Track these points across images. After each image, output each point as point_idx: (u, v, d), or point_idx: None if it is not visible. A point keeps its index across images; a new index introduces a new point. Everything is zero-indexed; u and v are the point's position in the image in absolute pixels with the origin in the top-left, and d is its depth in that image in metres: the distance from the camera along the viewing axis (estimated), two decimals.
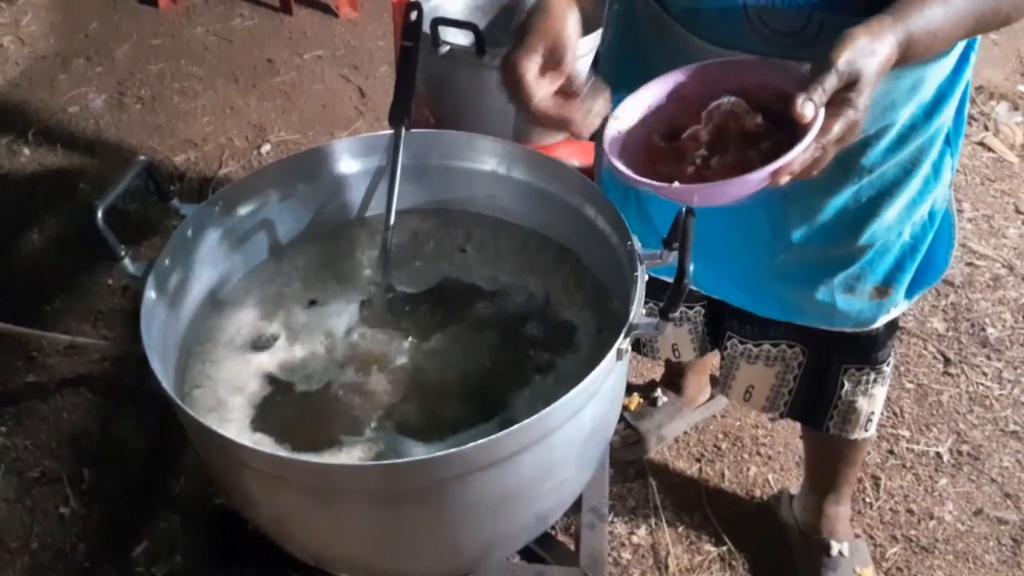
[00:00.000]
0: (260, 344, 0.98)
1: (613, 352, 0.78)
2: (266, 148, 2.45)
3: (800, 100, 0.68)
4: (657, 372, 1.73)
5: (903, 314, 1.17)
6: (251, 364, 0.95)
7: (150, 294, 0.84)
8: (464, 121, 1.48)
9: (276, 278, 1.04)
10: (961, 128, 1.05)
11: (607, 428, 0.91)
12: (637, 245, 0.88)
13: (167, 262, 0.88)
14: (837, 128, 0.70)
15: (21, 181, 2.32)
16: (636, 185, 0.74)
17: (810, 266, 1.07)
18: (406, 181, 1.06)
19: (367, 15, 3.07)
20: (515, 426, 0.71)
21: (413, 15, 1.10)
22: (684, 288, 0.77)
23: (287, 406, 0.91)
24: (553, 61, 0.75)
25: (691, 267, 0.79)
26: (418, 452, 0.84)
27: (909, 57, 0.76)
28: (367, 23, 3.03)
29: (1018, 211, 2.23)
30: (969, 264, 2.05)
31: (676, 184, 0.72)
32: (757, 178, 0.69)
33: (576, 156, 1.45)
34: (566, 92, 0.76)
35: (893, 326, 1.19)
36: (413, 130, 1.06)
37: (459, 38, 1.41)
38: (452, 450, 0.70)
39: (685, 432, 1.66)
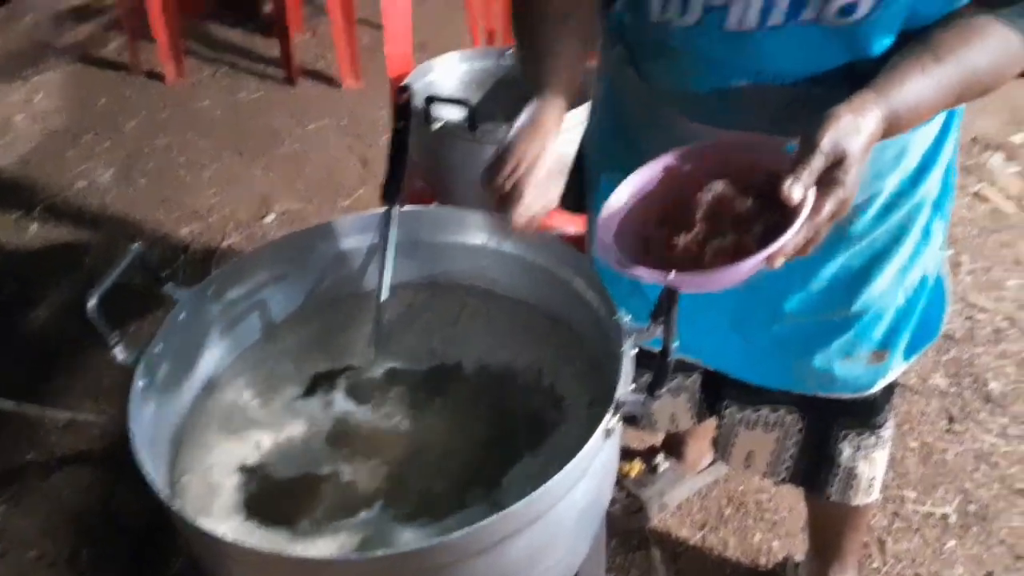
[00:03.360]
0: (251, 428, 0.98)
1: (601, 431, 0.78)
2: (270, 218, 2.49)
3: (788, 183, 0.70)
4: (657, 436, 1.72)
5: (903, 373, 1.18)
6: (242, 448, 0.95)
7: (139, 383, 0.85)
8: (458, 192, 1.50)
9: (268, 359, 1.05)
10: (948, 193, 1.06)
11: (600, 504, 0.91)
12: (624, 320, 0.89)
13: (158, 348, 0.89)
14: (828, 208, 0.71)
15: (27, 257, 2.36)
16: (630, 273, 0.75)
17: (806, 334, 1.07)
18: (399, 257, 1.08)
19: (370, 85, 3.15)
20: (502, 512, 0.71)
21: (404, 97, 1.13)
22: (669, 367, 0.78)
23: (277, 490, 0.91)
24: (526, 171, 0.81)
25: (675, 344, 0.79)
26: (408, 536, 0.84)
27: (894, 130, 0.78)
28: (370, 93, 3.11)
29: (1017, 263, 2.23)
30: (969, 318, 2.04)
31: (672, 274, 0.73)
32: (751, 264, 0.70)
33: (569, 224, 1.47)
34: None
35: (890, 389, 1.18)
36: (406, 207, 1.08)
37: (452, 113, 1.44)
38: (439, 540, 0.69)
39: (687, 498, 1.64)
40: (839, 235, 0.99)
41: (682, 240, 0.77)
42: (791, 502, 1.62)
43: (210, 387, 1.00)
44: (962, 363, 1.92)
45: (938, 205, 1.05)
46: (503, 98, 1.66)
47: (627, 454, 1.69)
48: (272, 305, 1.07)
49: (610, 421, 0.79)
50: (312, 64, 3.33)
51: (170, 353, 0.92)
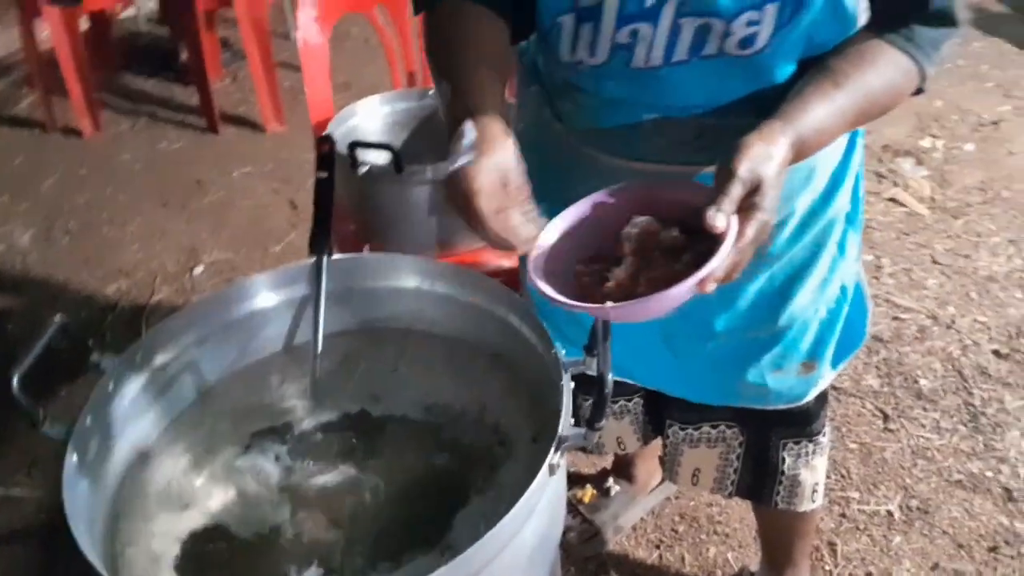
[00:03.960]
0: (191, 493, 0.95)
1: (545, 469, 0.78)
2: (199, 270, 2.44)
3: (711, 212, 0.72)
4: (608, 460, 1.74)
5: (838, 376, 1.21)
6: (183, 515, 0.92)
7: (71, 459, 0.82)
8: (389, 234, 1.50)
9: (204, 422, 1.02)
10: (858, 207, 1.11)
11: (552, 539, 0.91)
12: (561, 353, 0.89)
13: (88, 421, 0.87)
14: (751, 231, 0.74)
15: None
16: (569, 308, 0.76)
17: (737, 351, 1.11)
18: (332, 306, 1.07)
19: (294, 128, 3.13)
20: (453, 560, 0.71)
21: (325, 148, 1.13)
22: (607, 399, 0.79)
23: (223, 555, 0.88)
24: (501, 184, 0.77)
25: (611, 376, 0.80)
26: None
27: (802, 154, 0.82)
28: (294, 135, 3.09)
29: (935, 261, 2.34)
30: (895, 319, 2.12)
31: (610, 305, 0.75)
32: (683, 290, 0.72)
33: (502, 258, 1.48)
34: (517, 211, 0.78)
35: (823, 398, 1.22)
36: (335, 256, 1.08)
37: (377, 157, 1.44)
38: None
39: (641, 519, 1.66)
40: (760, 255, 1.02)
41: (615, 273, 0.79)
42: (741, 513, 1.65)
43: (146, 455, 0.97)
44: (892, 363, 1.99)
45: (850, 219, 1.10)
46: (427, 138, 1.67)
47: (579, 480, 1.70)
48: (203, 366, 1.05)
49: (553, 457, 0.80)
50: (234, 110, 3.30)
51: (102, 425, 0.89)
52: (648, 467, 1.65)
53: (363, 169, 1.42)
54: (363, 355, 1.12)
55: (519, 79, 1.12)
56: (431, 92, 1.72)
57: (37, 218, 2.70)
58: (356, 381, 1.09)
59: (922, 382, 1.94)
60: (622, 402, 1.32)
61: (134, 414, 0.95)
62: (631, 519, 1.64)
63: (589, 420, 0.80)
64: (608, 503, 1.64)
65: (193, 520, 0.92)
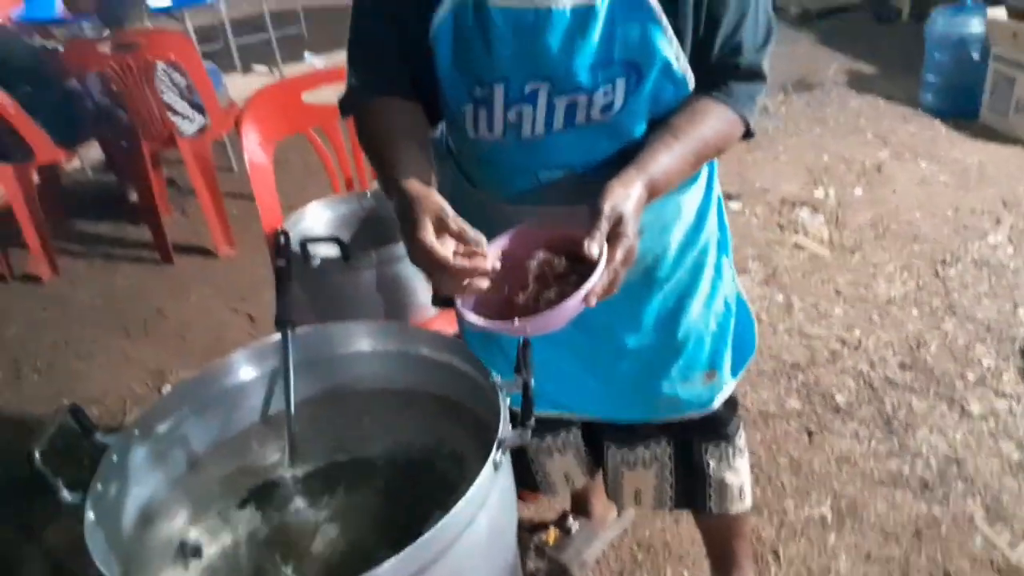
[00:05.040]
0: (189, 550, 1.09)
1: (489, 464, 0.96)
2: (166, 388, 2.57)
3: (586, 243, 0.93)
4: (566, 502, 1.89)
5: (764, 401, 1.39)
6: (183, 571, 1.06)
7: (89, 515, 0.96)
8: (340, 316, 1.68)
9: (196, 487, 1.16)
10: (726, 235, 1.34)
11: (506, 532, 1.06)
12: (497, 379, 1.08)
13: (99, 486, 1.01)
14: (618, 255, 0.94)
15: None
16: (484, 328, 0.95)
17: (649, 366, 1.30)
18: (299, 376, 1.23)
19: (245, 249, 3.32)
20: (411, 546, 0.85)
21: (282, 239, 1.33)
22: (532, 398, 0.97)
23: None
24: (442, 227, 0.94)
25: (532, 381, 0.99)
26: None
27: (655, 192, 1.03)
28: (246, 256, 3.28)
29: (838, 293, 2.59)
30: (808, 347, 2.35)
31: (516, 320, 0.94)
32: (571, 304, 0.92)
33: (447, 326, 1.67)
34: (465, 247, 0.95)
35: (732, 405, 1.41)
36: (298, 330, 1.26)
37: (327, 251, 1.64)
38: None
39: (603, 552, 1.80)
40: (651, 280, 1.23)
41: (520, 297, 0.99)
42: (691, 534, 1.81)
43: (149, 518, 1.11)
44: (810, 385, 2.21)
45: (721, 246, 1.32)
46: (369, 233, 1.88)
47: (543, 525, 1.84)
48: (193, 438, 1.20)
49: (496, 455, 0.97)
50: (186, 241, 3.48)
51: (110, 490, 1.03)
52: (603, 501, 1.80)
53: (316, 262, 1.62)
54: (331, 414, 1.28)
55: (436, 157, 1.33)
56: (368, 194, 1.94)
57: (5, 362, 2.81)
58: (327, 439, 1.25)
59: (838, 398, 2.15)
60: (562, 435, 1.49)
61: (136, 480, 1.09)
62: (594, 553, 1.78)
63: (521, 419, 0.98)
64: (571, 541, 1.78)
65: (193, 571, 1.06)
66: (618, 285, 0.97)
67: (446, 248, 0.93)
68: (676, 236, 1.23)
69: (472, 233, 0.95)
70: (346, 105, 1.17)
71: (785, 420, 2.10)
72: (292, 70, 5.43)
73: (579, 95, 1.06)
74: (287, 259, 1.29)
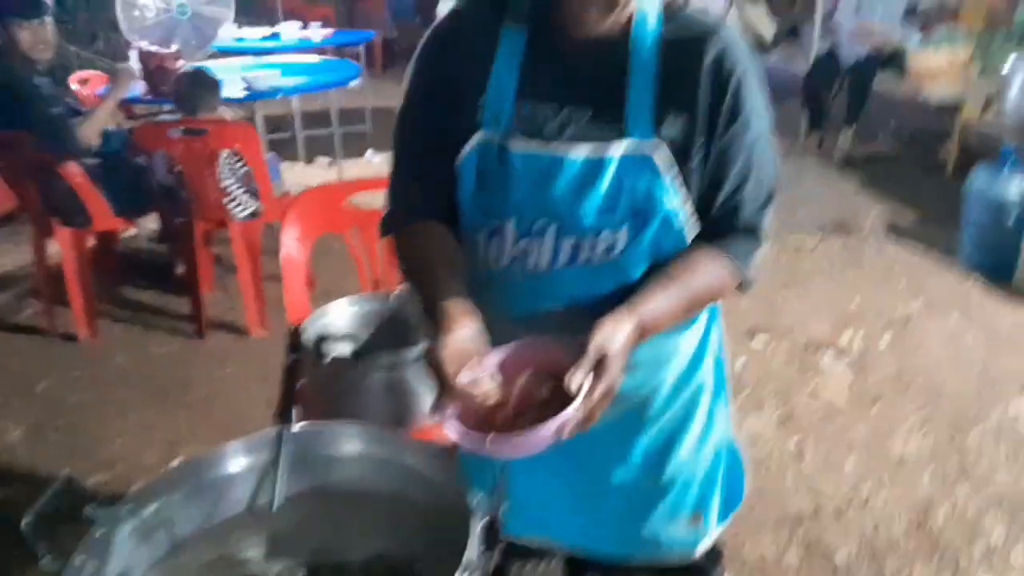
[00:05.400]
0: None
1: None
2: (176, 462, 2.62)
3: (568, 376, 0.97)
4: None
5: (762, 552, 1.37)
6: None
7: None
8: (346, 414, 1.72)
9: (175, 571, 1.20)
10: (723, 382, 1.36)
11: None
12: (474, 500, 1.10)
13: (77, 561, 1.05)
14: (598, 391, 0.98)
15: None
16: (462, 441, 0.98)
17: (634, 502, 1.31)
18: (290, 471, 1.27)
19: (276, 333, 3.39)
20: None
21: (295, 337, 1.40)
22: (500, 523, 1.00)
23: None
24: (462, 354, 1.01)
25: (505, 504, 1.01)
26: None
27: (646, 333, 1.07)
28: (276, 340, 3.31)
29: (851, 447, 2.56)
30: (814, 499, 2.31)
31: (490, 437, 0.97)
32: (545, 433, 0.95)
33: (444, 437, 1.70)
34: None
35: (716, 556, 1.40)
36: (296, 426, 1.30)
37: (342, 348, 1.70)
38: None
39: None
40: (642, 417, 1.26)
41: (500, 416, 1.02)
42: None
43: None
44: (811, 540, 2.16)
45: (717, 393, 1.35)
46: (389, 334, 1.94)
47: None
48: (179, 522, 1.23)
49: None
50: (222, 317, 3.60)
51: (89, 563, 1.07)
52: None
53: (327, 359, 1.68)
54: (315, 514, 1.30)
55: None
56: (392, 295, 2.01)
57: (29, 416, 2.90)
58: (308, 536, 1.27)
59: (838, 557, 2.10)
60: (543, 565, 1.49)
61: (118, 557, 1.13)
62: None
63: (487, 541, 1.00)
64: None
65: None
66: (595, 421, 1.00)
67: (451, 367, 1.00)
68: (670, 375, 1.26)
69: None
70: (386, 226, 1.25)
71: (783, 574, 2.05)
72: (352, 164, 5.68)
73: (584, 237, 1.12)
74: (297, 356, 1.35)
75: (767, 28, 9.79)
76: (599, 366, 0.99)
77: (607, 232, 1.12)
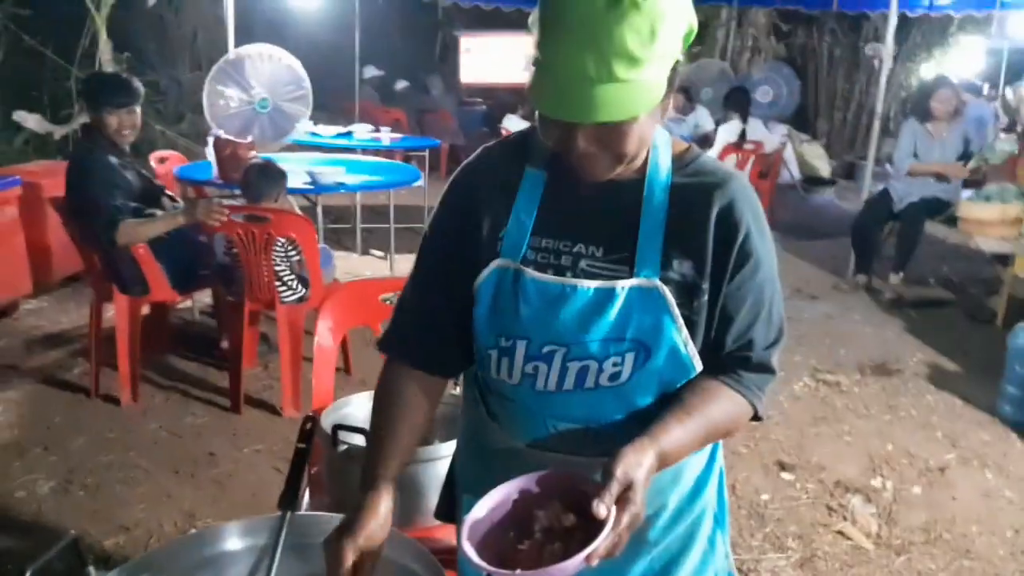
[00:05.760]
0: None
1: None
2: (191, 532, 2.65)
3: (595, 504, 0.99)
4: None
5: None
6: None
7: None
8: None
9: None
10: (724, 508, 1.37)
11: None
12: None
13: None
14: (625, 519, 1.00)
15: None
16: (484, 570, 0.99)
17: None
18: (286, 557, 1.30)
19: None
20: None
21: (308, 425, 1.46)
22: None
23: None
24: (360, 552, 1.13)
25: None
26: None
27: (665, 463, 1.10)
28: None
29: None
30: None
31: (518, 572, 0.96)
32: (574, 563, 0.95)
33: (449, 536, 1.71)
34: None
35: None
36: (299, 513, 1.34)
37: (356, 439, 1.75)
38: None
39: None
40: (641, 540, 1.27)
41: (525, 546, 1.03)
42: None
43: None
44: None
45: (718, 520, 1.35)
46: None
47: None
48: None
49: None
50: (259, 394, 3.69)
51: None
52: None
53: (342, 447, 1.73)
54: None
55: (464, 384, 1.45)
56: None
57: (61, 471, 2.99)
58: None
59: None
60: None
61: None
62: None
63: None
64: None
65: None
66: (621, 549, 1.01)
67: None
68: (672, 500, 1.27)
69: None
70: (383, 346, 1.33)
71: None
72: (405, 259, 5.87)
73: (590, 362, 1.17)
74: (308, 443, 1.40)
75: (824, 166, 9.96)
76: (624, 494, 1.02)
77: (613, 359, 1.16)
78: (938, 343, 4.63)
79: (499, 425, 1.30)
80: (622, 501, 1.01)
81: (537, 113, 1.09)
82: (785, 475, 3.18)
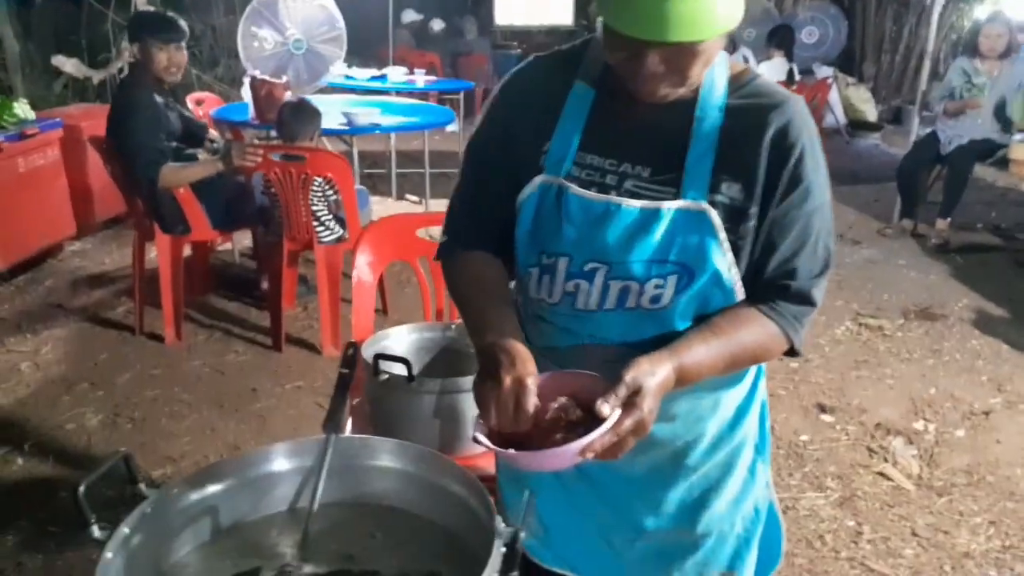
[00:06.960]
0: None
1: None
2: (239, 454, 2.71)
3: (599, 402, 1.00)
4: None
5: None
6: None
7: (107, 555, 1.06)
8: (397, 432, 1.77)
9: (212, 556, 1.25)
10: (765, 439, 1.35)
11: None
12: (499, 524, 1.13)
13: (125, 531, 1.12)
14: (627, 423, 1.01)
15: (7, 489, 2.55)
16: (484, 446, 1.03)
17: (665, 552, 1.30)
18: (331, 477, 1.32)
19: None
20: None
21: (351, 351, 1.46)
22: (519, 550, 1.01)
23: None
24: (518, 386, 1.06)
25: (529, 532, 1.03)
26: None
27: (683, 380, 1.09)
28: None
29: (914, 533, 2.45)
30: None
31: (511, 450, 1.01)
32: (566, 451, 0.98)
33: (487, 462, 1.73)
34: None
35: None
36: (341, 436, 1.35)
37: (396, 368, 1.77)
38: None
39: None
40: (679, 466, 1.26)
41: (531, 433, 1.05)
42: None
43: (162, 573, 1.20)
44: None
45: (759, 450, 1.34)
46: (443, 361, 2.00)
47: None
48: (222, 512, 1.30)
49: None
50: (298, 334, 3.74)
51: (134, 538, 1.14)
52: None
53: (383, 376, 1.73)
54: (350, 522, 1.35)
55: None
56: (452, 326, 2.07)
57: (108, 405, 3.07)
58: (338, 543, 1.31)
59: None
60: None
61: (161, 535, 1.19)
62: None
63: (503, 569, 1.01)
64: None
65: None
66: (622, 452, 1.02)
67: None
68: (711, 428, 1.26)
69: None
70: (441, 253, 1.32)
71: None
72: (439, 203, 5.85)
73: (632, 283, 1.15)
74: (352, 368, 1.41)
75: (870, 110, 9.66)
76: (631, 398, 1.02)
77: (655, 281, 1.14)
78: (984, 289, 4.51)
79: (535, 345, 1.29)
80: (628, 405, 1.01)
81: (602, 29, 1.05)
82: (825, 417, 3.15)
